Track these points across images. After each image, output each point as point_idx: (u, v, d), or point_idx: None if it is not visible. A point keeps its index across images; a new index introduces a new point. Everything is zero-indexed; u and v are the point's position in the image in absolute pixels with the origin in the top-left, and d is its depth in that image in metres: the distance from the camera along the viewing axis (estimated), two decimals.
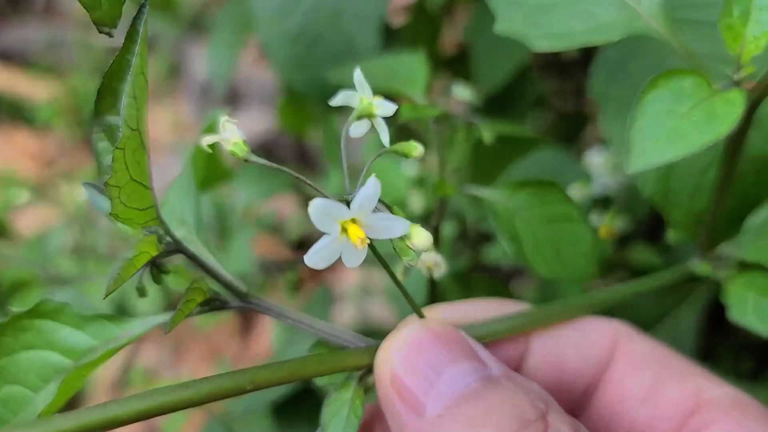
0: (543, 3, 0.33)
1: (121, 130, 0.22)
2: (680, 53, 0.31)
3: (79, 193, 1.18)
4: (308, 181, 0.23)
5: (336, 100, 0.26)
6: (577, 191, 0.43)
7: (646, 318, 0.44)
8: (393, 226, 0.21)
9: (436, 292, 0.38)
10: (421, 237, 0.21)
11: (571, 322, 0.30)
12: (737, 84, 0.29)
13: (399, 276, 0.31)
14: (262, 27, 0.41)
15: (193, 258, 0.27)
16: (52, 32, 1.50)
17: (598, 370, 0.29)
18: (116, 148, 0.22)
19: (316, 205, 0.20)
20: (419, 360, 0.24)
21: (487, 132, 0.34)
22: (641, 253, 0.44)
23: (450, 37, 0.65)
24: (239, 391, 0.24)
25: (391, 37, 0.54)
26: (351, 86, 0.27)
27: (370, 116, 0.26)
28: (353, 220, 0.20)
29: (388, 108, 0.26)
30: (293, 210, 1.12)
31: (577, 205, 0.33)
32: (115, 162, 0.22)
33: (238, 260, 0.65)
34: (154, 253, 0.25)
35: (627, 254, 0.46)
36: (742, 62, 0.28)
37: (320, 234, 0.20)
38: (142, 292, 0.26)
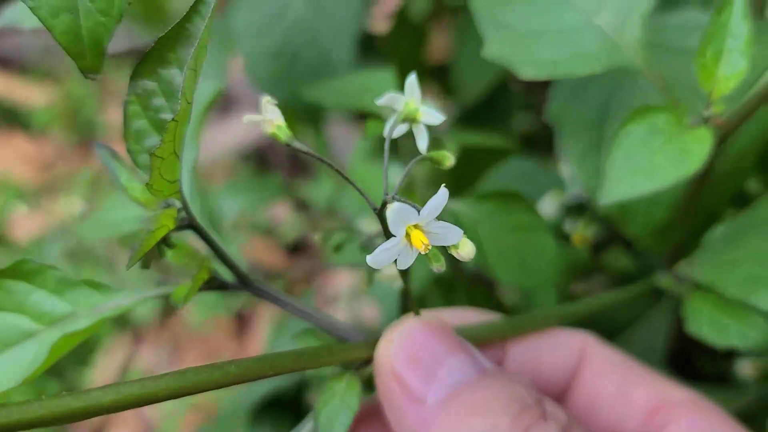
0: (531, 30, 0.35)
1: (179, 101, 0.22)
2: (657, 86, 0.32)
3: (75, 200, 1.19)
4: (352, 181, 0.23)
5: (382, 101, 0.26)
6: (551, 199, 0.44)
7: (620, 321, 0.45)
8: (450, 234, 0.22)
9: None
10: (468, 248, 0.23)
11: (543, 333, 0.31)
12: (707, 121, 0.30)
13: (364, 285, 0.32)
14: (242, 45, 0.43)
15: (203, 234, 0.26)
16: (47, 39, 1.51)
17: (570, 375, 0.31)
18: (172, 120, 0.22)
19: (395, 209, 0.21)
20: (420, 351, 0.25)
21: (451, 146, 0.35)
22: (616, 259, 0.46)
23: (438, 46, 0.67)
24: (262, 376, 0.25)
25: (372, 48, 0.55)
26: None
27: (413, 121, 0.27)
28: (416, 226, 0.22)
29: (435, 117, 0.26)
30: (287, 213, 1.14)
31: (540, 214, 0.34)
32: (167, 133, 0.22)
33: None
34: (172, 227, 0.24)
35: (603, 260, 0.47)
36: (713, 100, 0.30)
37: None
38: (147, 264, 0.25)
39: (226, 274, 0.27)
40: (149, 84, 0.24)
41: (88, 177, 1.29)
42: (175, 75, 0.24)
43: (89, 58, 0.22)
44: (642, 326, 0.45)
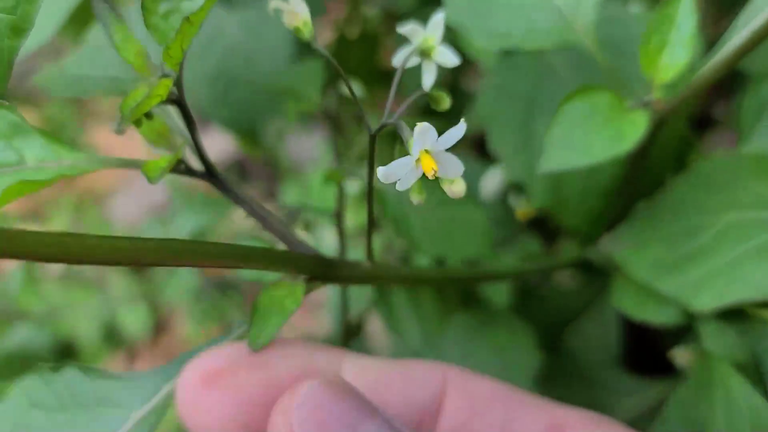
0: (490, 0, 0.36)
1: None
2: (603, 69, 0.34)
3: (59, 225, 1.20)
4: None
5: (403, 29, 0.27)
6: (494, 174, 0.45)
7: (571, 310, 0.46)
8: (455, 166, 0.23)
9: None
10: (461, 186, 0.24)
11: (395, 366, 0.27)
12: (646, 105, 0.31)
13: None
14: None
15: (186, 112, 0.26)
16: (25, 63, 1.52)
17: (426, 415, 0.27)
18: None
19: (424, 127, 0.22)
20: (327, 419, 0.22)
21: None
22: (567, 246, 0.47)
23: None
24: (232, 264, 0.26)
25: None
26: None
27: (426, 56, 0.27)
28: (427, 151, 0.23)
29: (449, 58, 0.27)
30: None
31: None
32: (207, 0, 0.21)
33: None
34: (164, 98, 0.24)
35: (556, 247, 0.49)
36: (653, 85, 0.31)
37: None
38: (120, 130, 0.24)
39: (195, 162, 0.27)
40: None
41: (71, 202, 1.30)
42: None
43: None
44: (594, 313, 0.46)
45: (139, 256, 0.23)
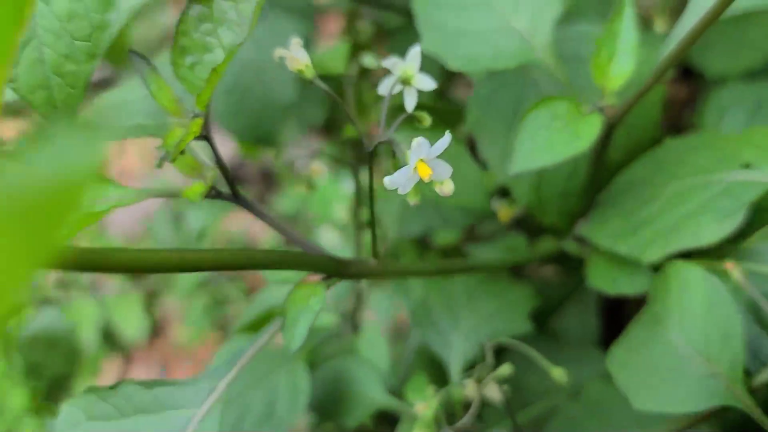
0: (459, 29, 0.40)
1: (228, 30, 0.26)
2: (561, 82, 0.38)
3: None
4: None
5: (386, 62, 0.31)
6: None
7: (554, 300, 0.50)
8: (444, 171, 0.28)
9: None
10: (450, 186, 0.28)
11: None
12: (600, 110, 0.36)
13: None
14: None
15: (213, 146, 0.29)
16: None
17: None
18: (237, 44, 0.26)
19: (420, 141, 0.26)
20: None
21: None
22: (547, 243, 0.51)
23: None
24: (259, 265, 0.30)
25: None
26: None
27: (407, 84, 0.31)
28: (421, 160, 0.27)
29: (427, 83, 0.31)
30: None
31: (464, 144, 0.39)
32: (228, 54, 0.26)
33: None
34: (198, 135, 0.28)
35: (539, 246, 0.53)
36: (605, 93, 0.36)
37: None
38: (161, 164, 0.28)
39: (222, 187, 0.31)
40: (204, 9, 0.28)
41: None
42: (229, 8, 0.28)
43: None
44: (576, 302, 0.50)
45: (200, 264, 0.27)
